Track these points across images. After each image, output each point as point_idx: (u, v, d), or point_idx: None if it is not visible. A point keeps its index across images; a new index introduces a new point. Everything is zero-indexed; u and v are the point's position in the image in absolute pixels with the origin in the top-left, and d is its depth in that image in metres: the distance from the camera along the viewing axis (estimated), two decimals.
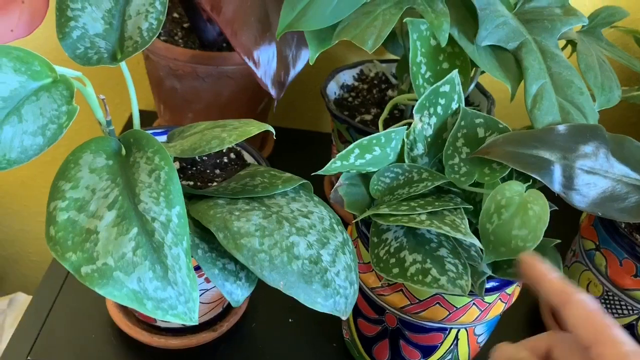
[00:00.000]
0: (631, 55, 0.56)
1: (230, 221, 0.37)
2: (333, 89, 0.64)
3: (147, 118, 0.76)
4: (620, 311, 0.49)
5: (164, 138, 0.51)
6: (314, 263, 0.36)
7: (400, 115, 0.61)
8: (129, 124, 0.78)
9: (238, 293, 0.37)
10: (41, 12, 0.49)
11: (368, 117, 0.61)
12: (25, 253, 1.02)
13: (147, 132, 0.37)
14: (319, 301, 0.35)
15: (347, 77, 0.67)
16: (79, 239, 0.33)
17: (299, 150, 0.75)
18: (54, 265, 0.58)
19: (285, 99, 0.78)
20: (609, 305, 0.49)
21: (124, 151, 0.38)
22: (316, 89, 0.79)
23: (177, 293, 0.32)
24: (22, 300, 0.91)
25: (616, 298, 0.49)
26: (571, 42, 0.52)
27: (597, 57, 0.49)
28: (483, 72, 0.49)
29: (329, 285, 0.36)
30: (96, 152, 0.37)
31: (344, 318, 0.37)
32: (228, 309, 0.53)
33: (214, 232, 0.36)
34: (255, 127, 0.40)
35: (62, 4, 0.42)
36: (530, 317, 0.58)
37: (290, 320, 0.56)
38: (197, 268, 0.44)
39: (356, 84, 0.67)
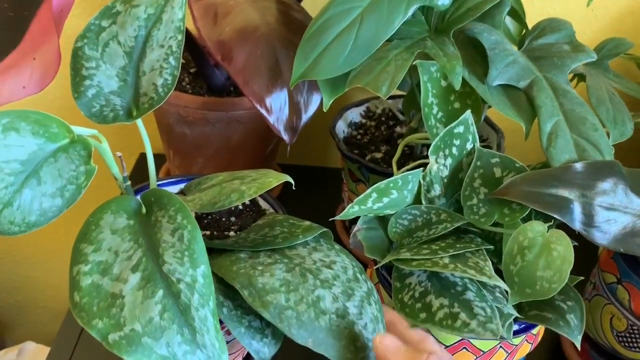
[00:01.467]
0: (636, 84, 0.57)
1: (255, 277, 0.37)
2: (341, 128, 0.65)
3: (156, 161, 0.75)
4: None
5: (177, 188, 0.51)
6: (341, 317, 0.36)
7: (411, 152, 0.61)
8: (137, 168, 0.78)
9: (265, 351, 0.36)
10: (53, 69, 0.49)
11: (378, 155, 0.62)
12: (32, 300, 1.01)
13: (167, 190, 0.37)
14: (349, 357, 0.35)
15: (354, 114, 0.67)
16: (104, 305, 0.32)
17: (309, 188, 0.75)
18: (71, 316, 0.57)
19: None
20: (634, 340, 0.49)
21: (144, 209, 0.38)
22: (322, 125, 0.79)
23: (206, 356, 0.31)
24: (32, 349, 0.89)
25: None
26: (579, 76, 0.53)
27: (606, 90, 0.49)
28: (484, 102, 0.49)
29: (358, 340, 0.35)
30: (117, 212, 0.37)
31: None
32: (248, 358, 0.52)
33: (238, 289, 0.36)
34: (274, 179, 0.39)
35: (76, 63, 0.42)
36: (553, 353, 0.57)
37: None
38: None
39: (364, 121, 0.67)
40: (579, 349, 0.40)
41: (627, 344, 0.50)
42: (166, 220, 0.35)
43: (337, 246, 0.41)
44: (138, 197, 0.38)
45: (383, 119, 0.67)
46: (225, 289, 0.37)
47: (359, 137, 0.65)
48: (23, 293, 1.00)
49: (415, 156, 0.61)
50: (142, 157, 0.83)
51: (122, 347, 0.31)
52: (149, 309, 0.32)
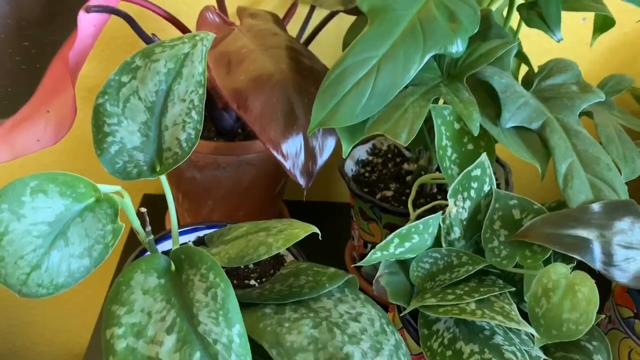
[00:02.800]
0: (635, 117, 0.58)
1: (282, 335, 0.36)
2: (350, 166, 0.65)
3: (160, 202, 0.75)
4: None
5: (194, 236, 0.51)
6: None
7: (421, 190, 0.62)
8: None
9: None
10: (67, 121, 0.49)
11: (389, 193, 0.62)
12: (31, 346, 0.99)
13: (196, 248, 0.37)
14: None
15: (361, 152, 0.68)
16: None
17: (317, 223, 0.75)
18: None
19: None
20: None
21: (173, 267, 0.38)
22: (327, 160, 0.79)
23: None
24: None
25: None
26: (586, 114, 0.54)
27: (614, 128, 0.51)
28: (496, 141, 0.50)
29: None
30: (147, 271, 0.37)
31: None
32: None
33: (266, 348, 0.36)
34: (300, 230, 0.40)
35: (98, 120, 0.42)
36: None
37: None
38: None
39: (370, 158, 0.68)
40: None
41: None
42: (198, 278, 0.35)
43: (362, 295, 0.42)
44: (166, 255, 0.38)
45: (389, 155, 0.68)
46: (252, 345, 0.37)
47: (366, 174, 0.66)
48: (22, 339, 0.98)
49: (425, 194, 0.61)
50: (145, 198, 0.82)
51: None
52: None
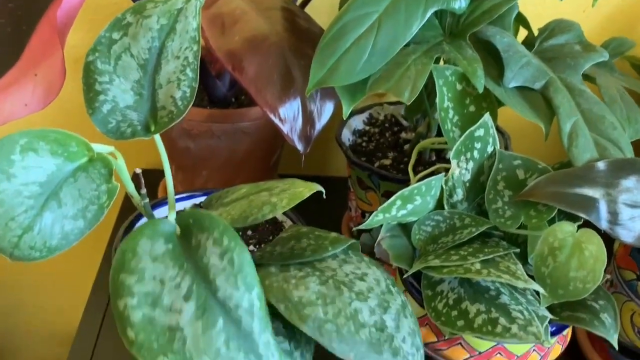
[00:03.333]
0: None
1: (289, 290, 0.35)
2: (346, 136, 0.64)
3: (151, 177, 0.74)
4: None
5: (189, 203, 0.50)
6: (380, 330, 0.35)
7: (419, 157, 0.61)
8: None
9: None
10: (56, 85, 0.47)
11: (387, 161, 0.61)
12: (23, 324, 0.97)
13: (205, 211, 0.35)
14: None
15: (357, 122, 0.67)
16: (164, 340, 0.30)
17: (313, 197, 0.74)
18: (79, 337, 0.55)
19: (289, 147, 0.78)
20: None
21: (178, 230, 0.36)
22: (321, 134, 0.78)
23: None
24: None
25: None
26: (587, 76, 0.53)
27: (616, 89, 0.50)
28: (499, 104, 0.49)
29: (398, 353, 0.34)
30: (152, 237, 0.34)
31: None
32: None
33: (274, 303, 0.35)
34: (305, 189, 0.38)
35: (89, 79, 0.40)
36: (571, 353, 0.58)
37: None
38: None
39: (367, 128, 0.67)
40: (617, 347, 0.40)
41: None
42: (211, 243, 0.33)
43: (366, 258, 0.41)
44: (172, 219, 0.36)
45: (386, 125, 0.67)
46: None
47: (364, 144, 0.65)
48: (14, 318, 0.96)
49: (424, 161, 0.60)
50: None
51: None
52: (214, 340, 0.30)
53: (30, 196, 0.35)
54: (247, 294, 0.31)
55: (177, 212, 0.39)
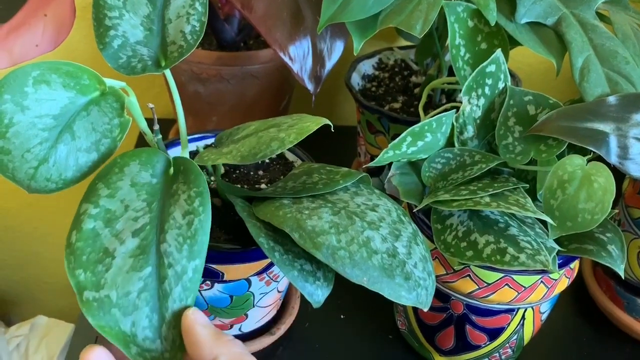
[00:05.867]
0: None
1: (303, 220, 0.36)
2: (356, 80, 0.64)
3: (161, 125, 0.74)
4: None
5: (203, 143, 0.50)
6: (392, 256, 0.36)
7: (429, 100, 0.61)
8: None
9: (319, 293, 0.36)
10: (66, 25, 0.47)
11: (397, 105, 0.61)
12: (36, 276, 0.99)
13: (197, 165, 0.36)
14: (403, 294, 0.35)
15: (367, 67, 0.66)
16: (94, 258, 0.31)
17: (324, 144, 0.74)
18: None
19: (298, 94, 0.77)
20: None
21: (172, 171, 0.36)
22: (329, 81, 0.78)
23: (163, 349, 0.31)
24: (43, 323, 0.88)
25: None
26: (600, 15, 0.52)
27: (630, 26, 0.49)
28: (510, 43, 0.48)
29: (410, 278, 0.35)
30: (144, 164, 0.35)
31: (425, 309, 0.36)
32: (280, 311, 0.52)
33: (288, 232, 0.35)
34: (312, 123, 0.39)
35: (99, 14, 0.40)
36: (577, 292, 0.59)
37: (342, 316, 0.55)
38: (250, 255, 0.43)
39: (377, 73, 0.67)
40: (623, 277, 0.40)
41: None
42: (184, 198, 0.34)
43: (377, 190, 0.41)
44: (171, 157, 0.37)
45: (396, 69, 0.67)
46: (274, 234, 0.37)
47: (373, 89, 0.64)
48: (27, 269, 0.98)
49: (434, 103, 0.60)
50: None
51: (91, 308, 0.30)
52: (131, 282, 0.31)
53: (45, 128, 0.36)
54: (185, 260, 0.32)
55: (190, 155, 0.39)
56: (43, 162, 0.36)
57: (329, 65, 0.50)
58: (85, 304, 0.31)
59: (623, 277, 0.40)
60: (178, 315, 0.31)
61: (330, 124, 0.39)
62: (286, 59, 0.48)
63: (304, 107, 0.83)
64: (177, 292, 0.31)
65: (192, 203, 0.34)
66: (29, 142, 0.35)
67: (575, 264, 0.45)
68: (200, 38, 0.39)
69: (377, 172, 0.63)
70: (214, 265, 0.42)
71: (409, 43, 0.69)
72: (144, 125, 0.41)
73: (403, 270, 0.35)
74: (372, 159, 0.64)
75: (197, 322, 0.31)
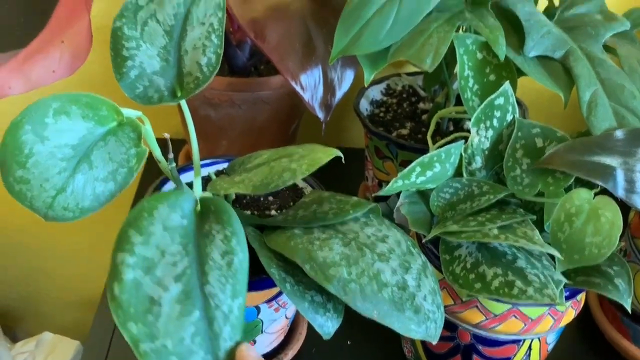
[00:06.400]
0: None
1: (314, 251, 0.36)
2: (364, 106, 0.65)
3: (175, 145, 0.75)
4: None
5: (214, 169, 0.51)
6: (402, 289, 0.36)
7: (437, 127, 0.61)
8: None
9: (329, 325, 0.36)
10: (83, 51, 0.48)
11: (405, 131, 0.62)
12: (43, 291, 1.00)
13: (228, 204, 0.36)
14: (412, 328, 0.35)
15: (375, 92, 0.67)
16: (142, 308, 0.31)
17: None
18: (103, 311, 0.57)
19: (307, 118, 0.78)
20: None
21: (199, 208, 0.37)
22: (337, 105, 0.79)
23: None
24: (49, 339, 0.89)
25: None
26: (607, 47, 0.53)
27: (637, 60, 0.50)
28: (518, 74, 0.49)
29: (420, 311, 0.36)
30: (173, 206, 0.35)
31: (434, 342, 0.37)
32: (288, 337, 0.53)
33: (299, 264, 0.36)
34: (324, 154, 0.39)
35: (116, 44, 0.41)
36: (583, 322, 0.59)
37: (348, 342, 0.55)
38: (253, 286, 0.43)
39: (385, 98, 0.67)
40: (630, 311, 0.41)
41: None
42: (220, 238, 0.34)
43: (387, 221, 0.42)
44: (197, 197, 0.37)
45: (404, 95, 0.67)
46: (285, 265, 0.37)
47: (381, 114, 0.65)
48: (34, 284, 0.99)
49: (442, 132, 0.61)
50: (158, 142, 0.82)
51: (150, 359, 0.30)
52: (183, 328, 0.31)
53: (63, 158, 0.36)
54: (230, 299, 0.32)
55: (202, 181, 0.39)
56: (61, 191, 0.37)
57: (339, 94, 0.51)
58: (144, 356, 0.30)
59: (630, 311, 0.40)
60: (230, 353, 0.31)
61: (342, 155, 0.40)
62: (298, 88, 0.48)
63: (314, 131, 0.84)
64: (226, 331, 0.31)
65: (229, 242, 0.34)
66: (47, 171, 0.36)
67: (581, 296, 0.45)
68: (217, 70, 0.40)
69: (385, 197, 0.63)
70: None
71: (416, 69, 0.70)
72: (158, 153, 0.42)
73: (413, 303, 0.36)
74: (379, 183, 0.65)
75: (250, 357, 0.31)
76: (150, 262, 0.33)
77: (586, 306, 0.59)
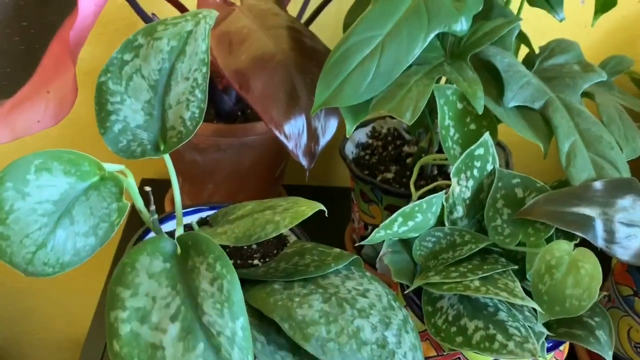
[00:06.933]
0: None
1: (293, 309, 0.36)
2: (350, 149, 0.65)
3: (159, 186, 0.75)
4: None
5: (197, 217, 0.51)
6: (381, 347, 0.36)
7: (421, 172, 0.62)
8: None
9: None
10: (68, 102, 0.49)
11: (389, 175, 0.62)
12: (29, 332, 0.99)
13: (203, 234, 0.37)
14: None
15: (361, 135, 0.68)
16: (145, 356, 0.31)
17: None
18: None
19: (294, 160, 0.79)
20: None
21: (179, 250, 0.37)
22: (327, 146, 0.79)
23: None
24: None
25: None
26: (587, 95, 0.54)
27: (615, 108, 0.51)
28: (499, 122, 0.50)
29: None
30: (153, 254, 0.36)
31: None
32: None
33: (278, 322, 0.36)
34: (307, 208, 0.40)
35: (101, 99, 0.41)
36: None
37: None
38: None
39: (370, 141, 0.68)
40: None
41: None
42: (205, 267, 0.34)
43: (368, 274, 0.42)
44: (174, 239, 0.38)
45: (389, 138, 0.68)
46: (259, 322, 0.37)
47: (367, 157, 0.66)
48: (20, 325, 0.98)
49: (426, 176, 0.61)
50: (143, 182, 0.82)
51: None
52: None
53: (44, 214, 0.36)
54: (230, 322, 0.32)
55: (185, 230, 0.40)
56: (41, 247, 0.36)
57: (322, 142, 0.51)
58: None
59: None
60: None
61: (325, 209, 0.40)
62: (281, 137, 0.49)
63: (301, 173, 0.84)
64: (235, 354, 0.31)
65: (214, 269, 0.34)
66: (28, 227, 0.36)
67: (564, 347, 0.45)
68: (199, 124, 0.41)
69: None
70: None
71: None
72: (140, 204, 0.42)
73: None
74: (365, 226, 0.65)
75: None
76: (143, 311, 0.33)
77: (573, 352, 0.59)
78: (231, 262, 0.48)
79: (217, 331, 0.32)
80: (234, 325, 0.32)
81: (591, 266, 0.40)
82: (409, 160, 0.64)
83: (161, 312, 0.33)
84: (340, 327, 0.35)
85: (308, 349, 0.35)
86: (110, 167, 0.39)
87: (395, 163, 0.64)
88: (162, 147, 0.41)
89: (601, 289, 0.44)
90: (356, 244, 0.60)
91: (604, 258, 0.43)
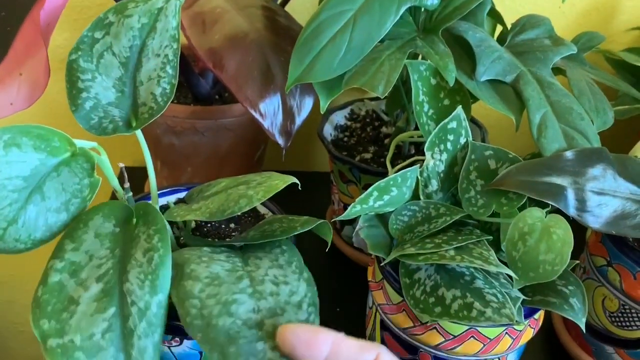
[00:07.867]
0: (610, 74, 0.59)
1: (190, 262, 0.35)
2: (328, 131, 0.65)
3: (139, 173, 0.75)
4: (639, 323, 0.51)
5: (174, 198, 0.51)
6: (247, 328, 0.32)
7: (399, 151, 0.62)
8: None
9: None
10: (41, 84, 0.48)
11: (367, 155, 0.62)
12: (12, 325, 0.98)
13: (155, 207, 0.37)
14: None
15: (339, 117, 0.68)
16: (59, 307, 0.32)
17: (295, 192, 0.75)
18: None
19: (273, 143, 0.79)
20: (626, 319, 0.51)
21: (135, 220, 0.37)
22: (304, 130, 0.79)
23: None
24: None
25: (633, 311, 0.50)
26: (557, 69, 0.55)
27: (586, 82, 0.52)
28: (472, 98, 0.50)
29: (255, 356, 0.31)
30: (107, 216, 0.37)
31: None
32: None
33: (172, 267, 0.34)
34: (280, 181, 0.40)
35: (71, 76, 0.41)
36: (546, 338, 0.59)
37: None
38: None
39: (349, 123, 0.68)
40: (584, 331, 0.41)
41: (619, 324, 0.52)
42: (144, 237, 0.35)
43: (306, 274, 0.37)
44: (133, 207, 0.38)
45: (367, 120, 0.69)
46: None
47: (345, 139, 0.66)
48: (2, 318, 0.97)
49: (403, 155, 0.62)
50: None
51: (55, 355, 0.30)
52: (95, 324, 0.31)
53: (14, 190, 0.36)
54: (148, 295, 0.32)
55: (161, 210, 0.40)
56: (12, 223, 0.36)
57: (298, 120, 0.51)
58: (49, 352, 0.31)
59: (584, 330, 0.41)
60: (144, 351, 0.31)
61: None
62: (257, 116, 0.49)
63: (280, 156, 0.84)
64: (142, 327, 0.31)
65: (151, 240, 0.35)
66: None
67: (539, 315, 0.46)
68: (170, 100, 0.41)
69: (349, 220, 0.64)
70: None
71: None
72: (115, 183, 0.42)
73: (251, 346, 0.31)
74: (345, 207, 0.65)
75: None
76: (77, 266, 0.34)
77: (549, 322, 0.60)
78: (209, 239, 0.48)
79: (132, 300, 0.32)
80: (151, 299, 0.32)
81: (563, 232, 0.41)
82: (387, 141, 0.65)
83: (91, 271, 0.34)
84: (216, 292, 0.33)
85: (173, 297, 0.33)
86: (81, 143, 0.39)
87: (373, 144, 0.65)
88: (133, 124, 0.41)
89: (576, 260, 0.44)
90: (332, 219, 0.61)
91: (579, 230, 0.44)
